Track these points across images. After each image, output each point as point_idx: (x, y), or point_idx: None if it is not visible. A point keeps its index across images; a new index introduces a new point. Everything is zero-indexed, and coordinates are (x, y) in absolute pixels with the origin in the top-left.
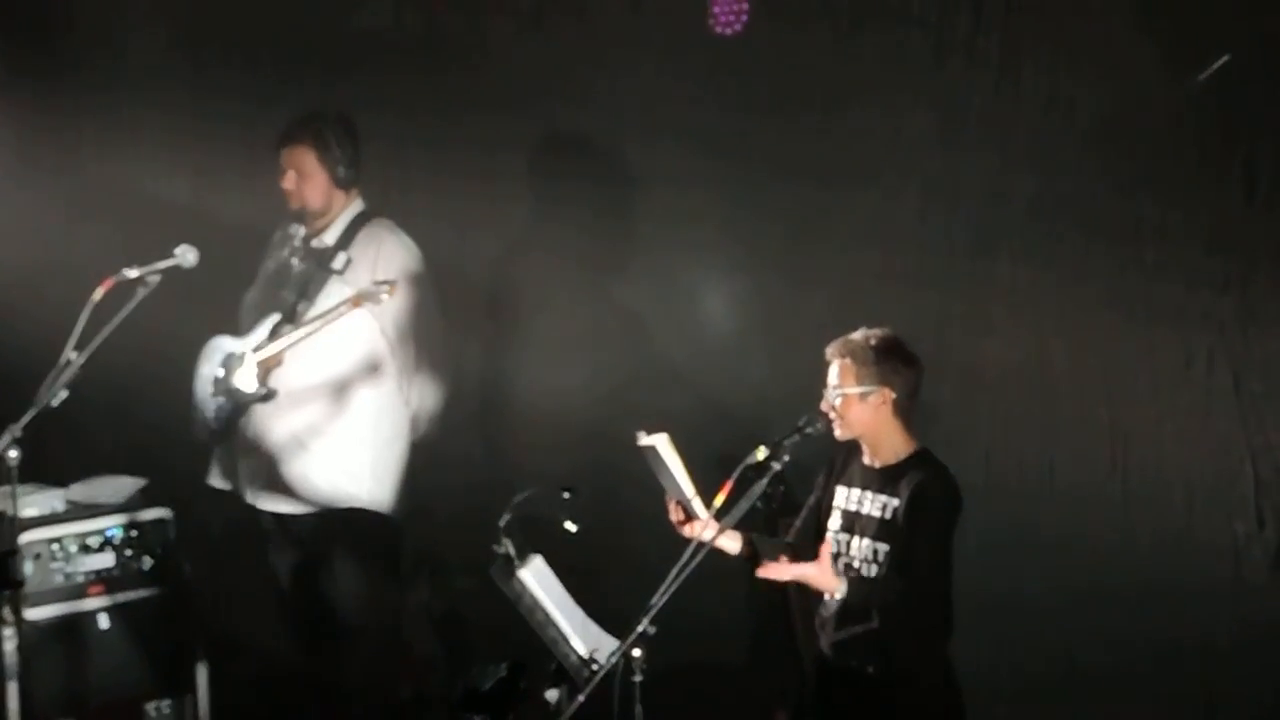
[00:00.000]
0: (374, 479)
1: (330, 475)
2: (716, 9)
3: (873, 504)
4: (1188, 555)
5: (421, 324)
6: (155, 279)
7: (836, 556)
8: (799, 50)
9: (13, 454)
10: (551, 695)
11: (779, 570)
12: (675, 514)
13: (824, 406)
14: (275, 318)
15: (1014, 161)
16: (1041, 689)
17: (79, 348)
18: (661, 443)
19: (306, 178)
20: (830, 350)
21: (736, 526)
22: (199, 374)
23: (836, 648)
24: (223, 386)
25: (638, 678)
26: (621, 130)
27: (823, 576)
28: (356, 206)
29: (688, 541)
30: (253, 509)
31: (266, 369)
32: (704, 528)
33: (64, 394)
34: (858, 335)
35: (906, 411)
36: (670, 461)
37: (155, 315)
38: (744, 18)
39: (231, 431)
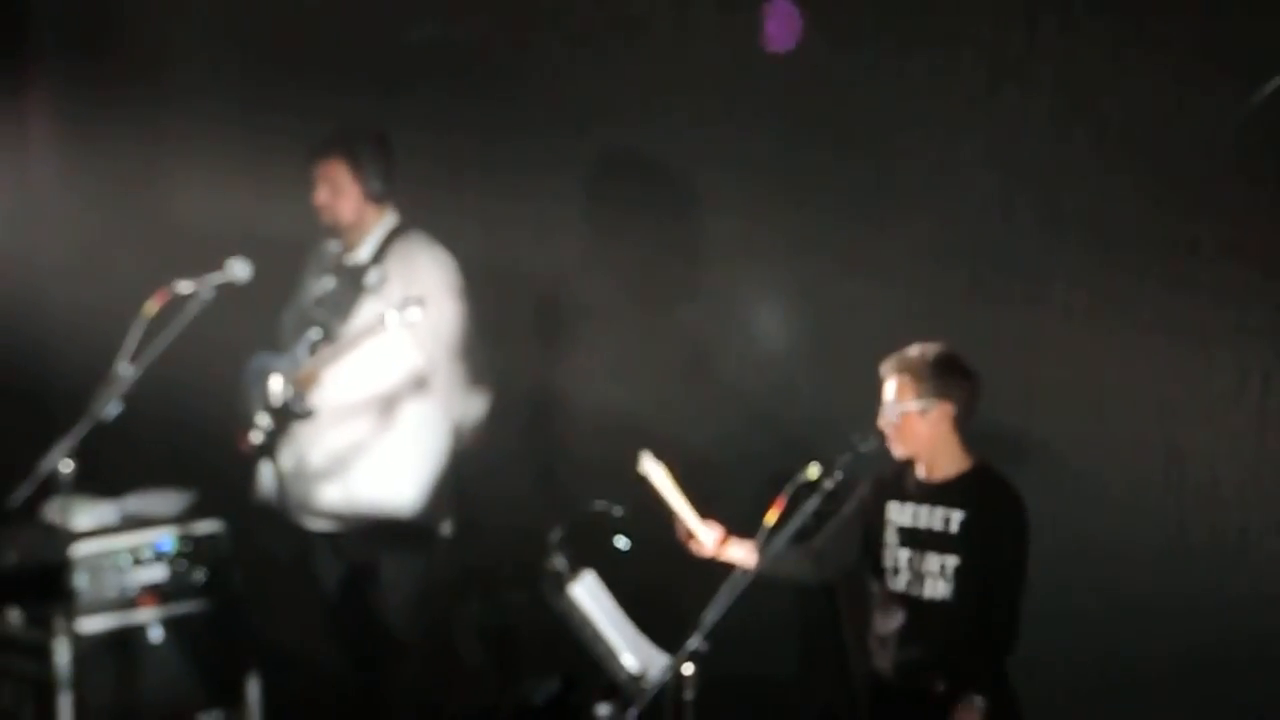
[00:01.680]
0: (418, 493)
1: (374, 490)
2: (770, 27)
3: (931, 517)
4: (1241, 571)
5: (462, 337)
6: (208, 293)
7: (897, 573)
8: (850, 69)
9: (66, 466)
10: (603, 711)
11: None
12: (682, 534)
13: (882, 424)
14: (313, 335)
15: (1068, 181)
16: (1095, 700)
17: (132, 361)
18: (656, 471)
19: (339, 192)
20: (887, 366)
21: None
22: (241, 391)
23: (900, 667)
24: (263, 404)
25: (689, 694)
26: (672, 148)
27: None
28: (390, 221)
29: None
30: (299, 521)
31: (304, 387)
32: (708, 545)
33: (118, 407)
34: (914, 351)
35: (964, 426)
36: (665, 487)
37: (209, 328)
38: (797, 35)
39: (274, 448)
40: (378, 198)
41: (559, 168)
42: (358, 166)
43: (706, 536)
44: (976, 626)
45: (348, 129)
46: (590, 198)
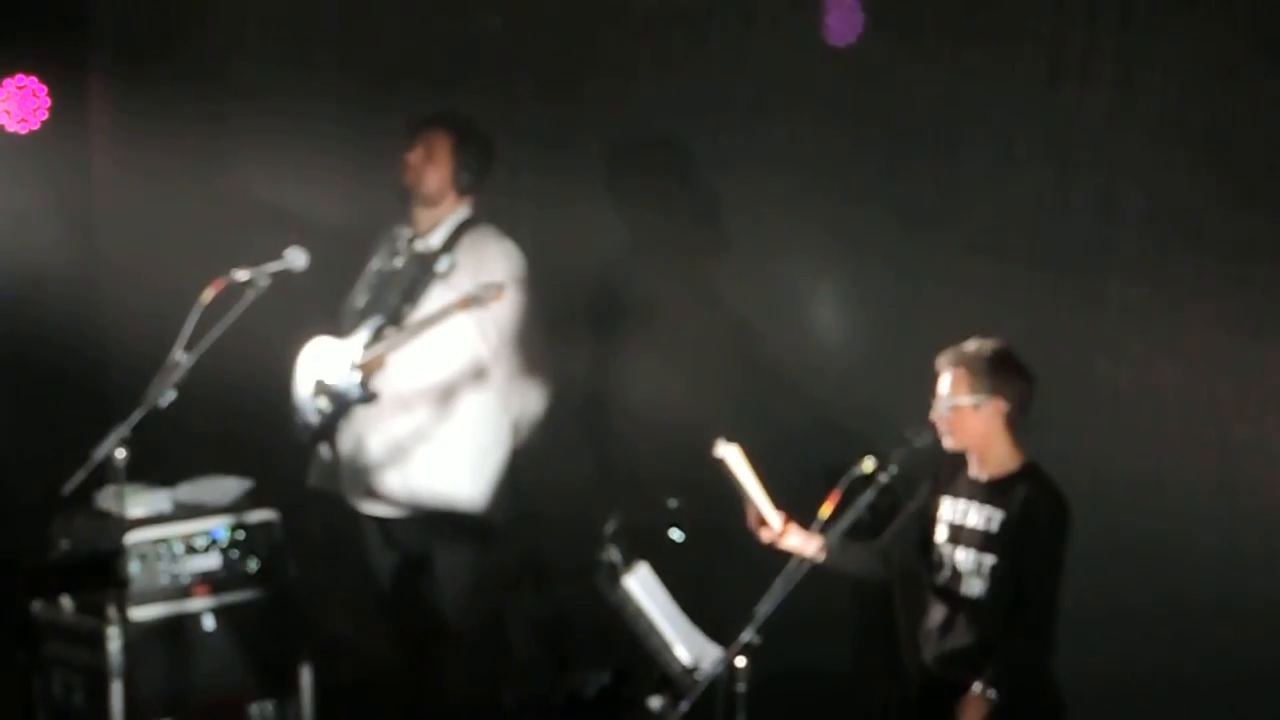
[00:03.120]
0: (476, 483)
1: (432, 479)
2: (831, 20)
3: (978, 516)
4: None
5: (524, 329)
6: (265, 281)
7: (941, 568)
8: (911, 63)
9: (121, 454)
10: (655, 703)
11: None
12: (754, 520)
13: (935, 417)
14: (378, 320)
15: (1125, 177)
16: (1146, 704)
17: (188, 349)
18: (733, 453)
19: (433, 160)
20: (943, 360)
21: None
22: (299, 375)
23: (940, 660)
24: (323, 388)
25: (741, 687)
26: (733, 140)
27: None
28: (464, 212)
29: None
30: (355, 512)
31: (369, 372)
32: (778, 533)
33: (173, 395)
34: (971, 346)
35: (1017, 424)
36: (741, 471)
37: (264, 317)
38: (859, 28)
39: (331, 434)
40: (464, 188)
41: (618, 158)
42: (460, 147)
43: (776, 524)
44: (1007, 626)
45: (459, 113)
46: (646, 192)
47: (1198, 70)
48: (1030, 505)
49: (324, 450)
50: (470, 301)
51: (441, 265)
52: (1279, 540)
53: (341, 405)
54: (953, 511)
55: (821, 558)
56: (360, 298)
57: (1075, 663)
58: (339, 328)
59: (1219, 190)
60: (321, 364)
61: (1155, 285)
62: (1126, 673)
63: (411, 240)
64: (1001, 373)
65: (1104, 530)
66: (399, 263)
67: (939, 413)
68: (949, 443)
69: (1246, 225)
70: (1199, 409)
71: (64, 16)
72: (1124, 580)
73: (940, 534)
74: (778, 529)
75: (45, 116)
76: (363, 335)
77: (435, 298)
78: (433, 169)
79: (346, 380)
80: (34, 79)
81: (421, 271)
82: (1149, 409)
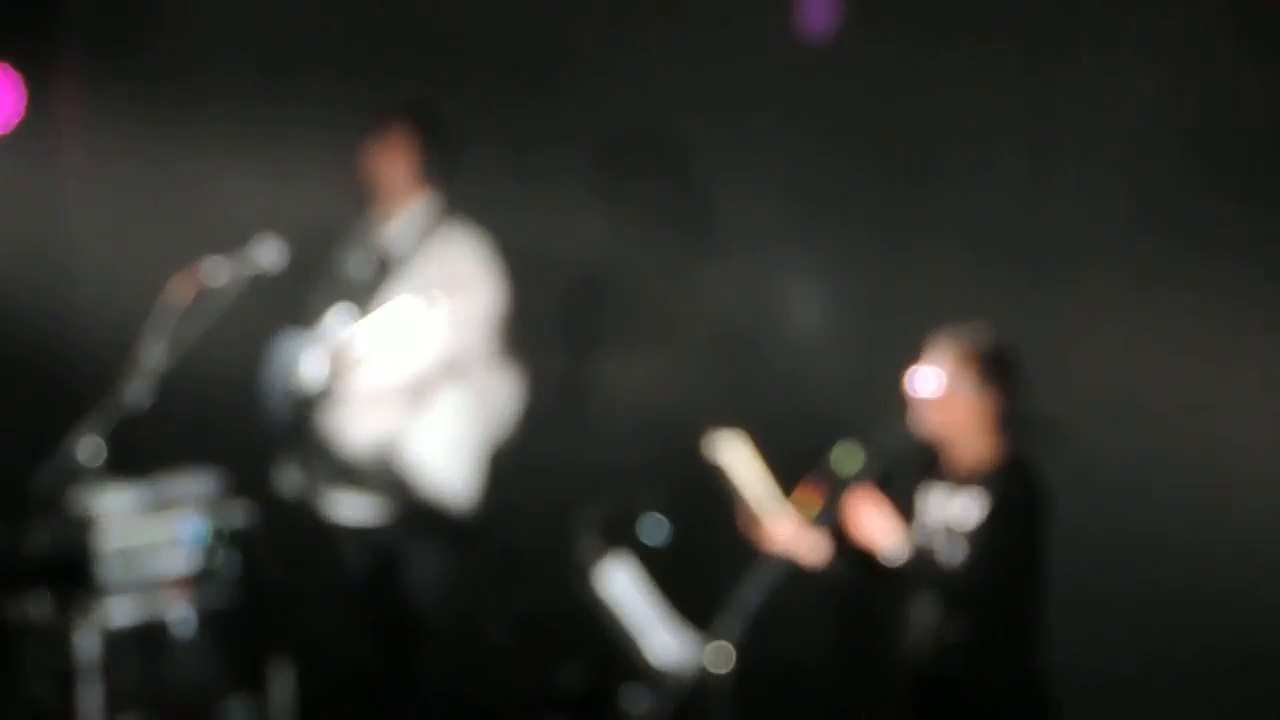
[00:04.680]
0: (451, 479)
1: (408, 475)
2: (807, 15)
3: (954, 506)
4: (1274, 562)
5: (497, 322)
6: (240, 277)
7: (924, 560)
8: (889, 56)
9: (94, 452)
10: (635, 696)
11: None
12: (746, 520)
13: (918, 402)
14: (345, 314)
15: (1104, 168)
16: (1131, 697)
17: (163, 345)
18: (735, 444)
19: (395, 153)
20: (935, 345)
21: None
22: (268, 370)
23: (926, 653)
24: (292, 383)
25: (721, 680)
26: (709, 132)
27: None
28: (431, 203)
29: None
30: (329, 510)
31: (339, 366)
32: (771, 531)
33: (147, 391)
34: (965, 334)
35: (1002, 418)
36: (743, 463)
37: (238, 313)
38: (835, 23)
39: (301, 428)
40: (428, 178)
41: (592, 149)
42: (421, 138)
43: (780, 522)
44: (986, 614)
45: (421, 103)
46: (622, 182)
47: (1176, 61)
48: (1011, 493)
49: (294, 452)
50: (428, 297)
51: (407, 259)
52: (1258, 533)
53: (308, 400)
54: (931, 501)
55: (820, 563)
56: (327, 291)
57: (1052, 658)
58: (309, 321)
59: (1198, 181)
60: (292, 358)
61: (1134, 276)
62: (1105, 668)
63: (378, 233)
64: (994, 366)
65: (1081, 523)
66: (364, 256)
67: (924, 397)
68: (933, 431)
69: (1225, 216)
70: (1178, 400)
71: (36, 13)
72: (1103, 573)
73: (919, 524)
74: (780, 529)
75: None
76: (329, 329)
77: (399, 291)
78: (395, 162)
79: (317, 374)
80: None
81: (386, 265)
82: (1131, 402)
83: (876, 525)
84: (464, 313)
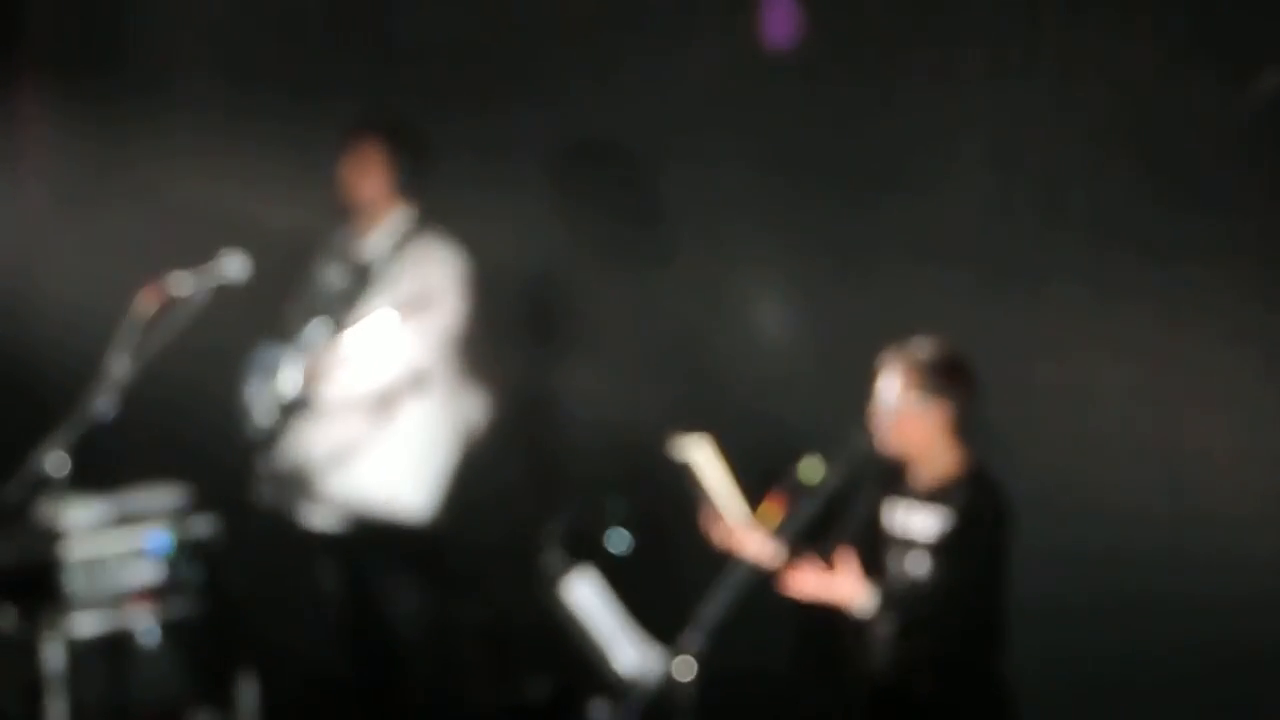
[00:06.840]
0: (418, 491)
1: (375, 488)
2: (770, 24)
3: (915, 519)
4: (1241, 572)
5: (466, 336)
6: (205, 289)
7: (883, 572)
8: (851, 65)
9: (59, 464)
10: (599, 708)
11: (805, 581)
12: (709, 520)
13: (876, 418)
14: (320, 326)
15: (1067, 179)
16: (1093, 705)
17: (128, 358)
18: (700, 448)
19: (367, 166)
20: (886, 360)
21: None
22: (245, 382)
23: (888, 667)
24: (268, 395)
25: (686, 692)
26: (670, 141)
27: (846, 588)
28: (405, 215)
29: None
30: (297, 520)
31: (312, 377)
32: (734, 535)
33: (112, 404)
34: (916, 347)
35: (961, 427)
36: (708, 467)
37: (205, 325)
38: (798, 32)
39: (276, 440)
40: (401, 190)
41: (553, 158)
42: (392, 149)
43: (742, 524)
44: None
45: (394, 116)
46: (582, 195)
47: (1138, 71)
48: (973, 507)
49: (268, 462)
50: (403, 310)
51: (382, 271)
52: (1224, 542)
53: (284, 412)
54: (893, 515)
55: (778, 565)
56: (302, 304)
57: (1018, 666)
58: (283, 333)
59: (1161, 191)
60: (267, 370)
61: (1097, 287)
62: (1070, 676)
63: (353, 246)
64: (947, 375)
65: (1047, 534)
66: (341, 268)
67: (881, 413)
68: (890, 446)
69: (1188, 226)
70: (1142, 411)
71: None
72: (1067, 582)
73: (885, 538)
74: (740, 531)
75: None
76: (304, 341)
77: (374, 303)
78: (367, 175)
79: (291, 386)
80: None
81: (362, 277)
82: (1091, 411)
83: (843, 588)
84: (432, 326)
